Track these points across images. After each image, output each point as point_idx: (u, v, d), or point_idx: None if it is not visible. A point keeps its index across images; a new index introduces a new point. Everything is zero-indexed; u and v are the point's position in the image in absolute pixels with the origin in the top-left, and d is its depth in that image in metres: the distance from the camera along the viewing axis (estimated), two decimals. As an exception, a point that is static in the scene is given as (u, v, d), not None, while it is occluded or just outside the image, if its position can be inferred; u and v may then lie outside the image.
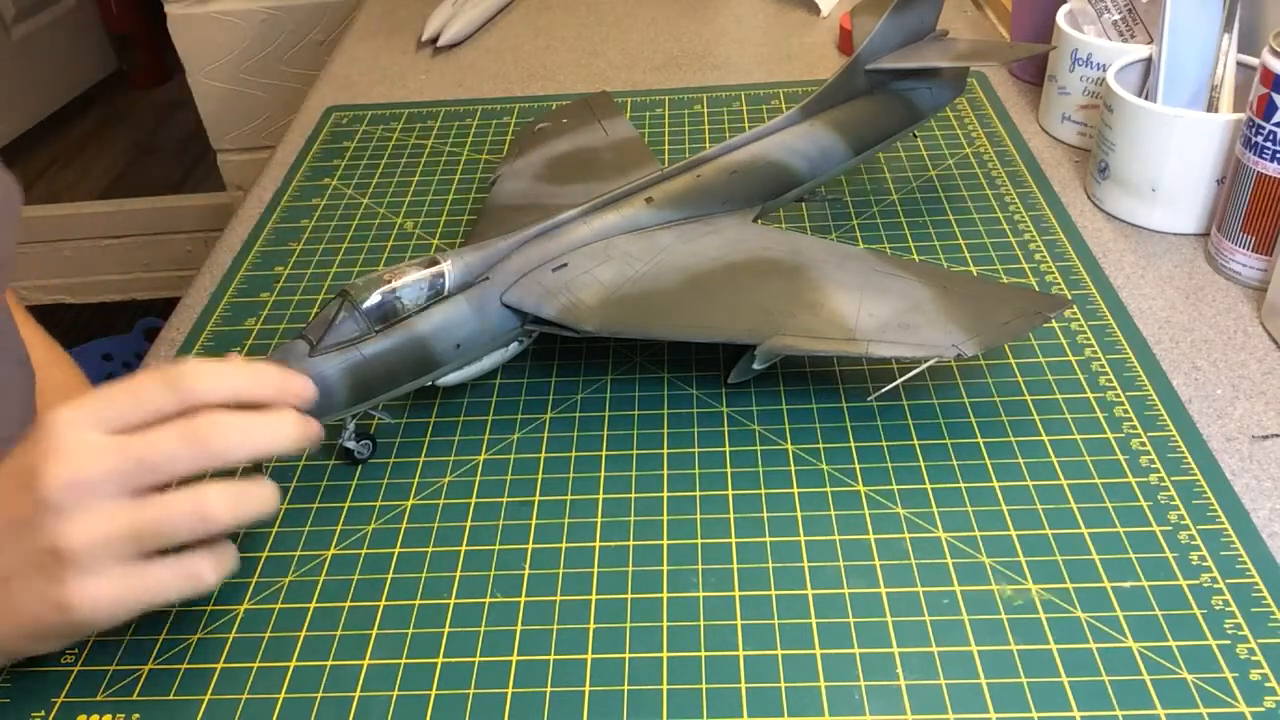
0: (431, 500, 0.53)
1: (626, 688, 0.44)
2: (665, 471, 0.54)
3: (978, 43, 0.69)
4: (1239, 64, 0.69)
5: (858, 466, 0.53)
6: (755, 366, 0.55)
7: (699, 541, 0.50)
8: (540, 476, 0.54)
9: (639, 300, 0.55)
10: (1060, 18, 0.79)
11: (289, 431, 0.44)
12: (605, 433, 0.56)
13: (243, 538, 0.51)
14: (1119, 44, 0.77)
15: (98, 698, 0.45)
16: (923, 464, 0.53)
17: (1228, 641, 0.43)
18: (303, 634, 0.47)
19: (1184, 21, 0.68)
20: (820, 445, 0.54)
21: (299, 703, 0.44)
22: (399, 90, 0.99)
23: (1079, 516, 0.49)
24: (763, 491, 0.52)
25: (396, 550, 0.51)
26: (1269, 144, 0.59)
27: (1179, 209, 0.68)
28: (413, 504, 0.53)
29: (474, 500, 0.53)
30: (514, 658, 0.45)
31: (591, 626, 0.46)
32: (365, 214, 0.78)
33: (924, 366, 0.52)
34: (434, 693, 0.44)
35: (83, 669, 0.46)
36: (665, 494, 0.52)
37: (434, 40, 1.08)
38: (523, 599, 0.48)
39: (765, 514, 0.51)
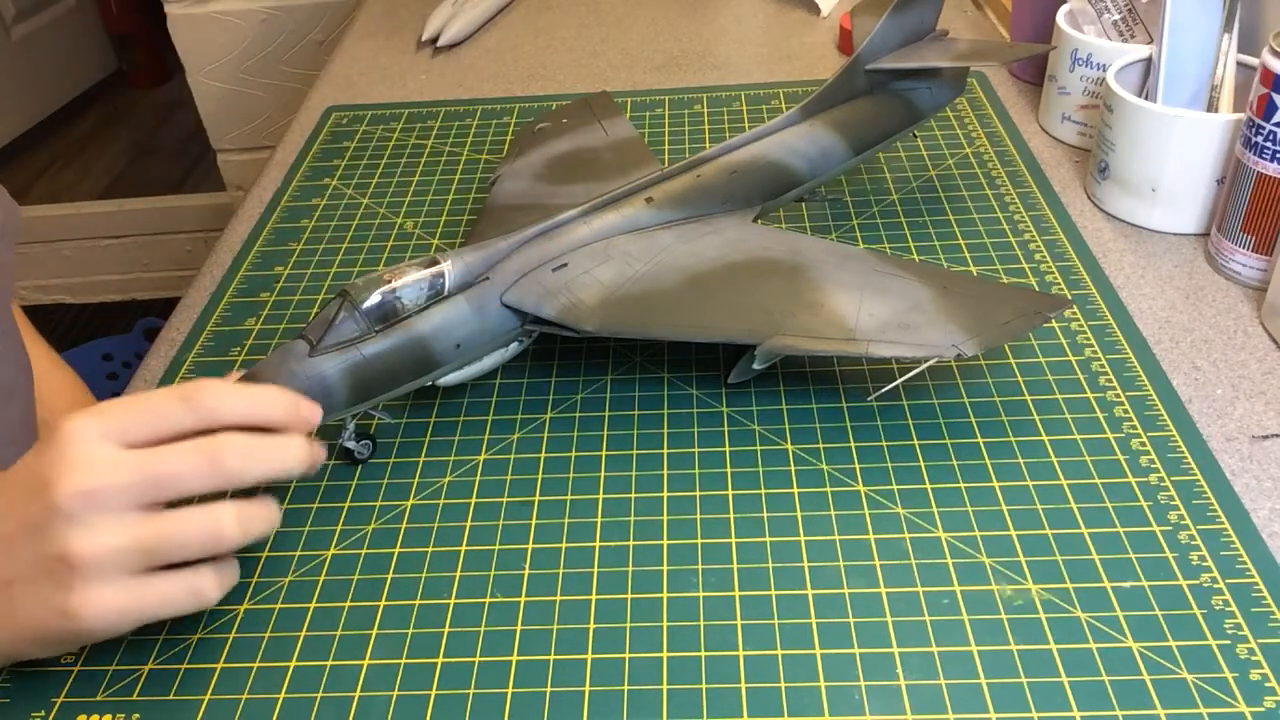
0: (431, 500, 0.53)
1: (626, 688, 0.44)
2: (665, 471, 0.54)
3: (978, 43, 0.69)
4: (1239, 64, 0.69)
5: (858, 466, 0.53)
6: (755, 366, 0.55)
7: (699, 541, 0.50)
8: (540, 476, 0.54)
9: (639, 300, 0.55)
10: (1060, 18, 0.79)
11: (299, 455, 0.44)
12: (605, 433, 0.56)
13: (243, 538, 0.51)
14: (1119, 44, 0.77)
15: (98, 697, 0.45)
16: (923, 464, 0.53)
17: (1228, 641, 0.43)
18: (303, 634, 0.47)
19: (1184, 21, 0.68)
20: (820, 445, 0.54)
21: (299, 703, 0.44)
22: (399, 90, 0.99)
23: (1079, 516, 0.49)
24: (763, 491, 0.52)
25: (396, 550, 0.51)
26: (1269, 144, 0.59)
27: (1179, 209, 0.68)
28: (413, 504, 0.53)
29: (474, 500, 0.53)
30: (514, 658, 0.45)
31: (591, 626, 0.46)
32: (365, 214, 0.78)
33: (924, 366, 0.52)
34: (434, 693, 0.44)
35: (83, 669, 0.46)
36: (665, 494, 0.52)
37: (434, 40, 1.08)
38: (523, 599, 0.48)
39: (765, 514, 0.51)
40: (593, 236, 0.58)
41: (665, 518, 0.51)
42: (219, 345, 0.66)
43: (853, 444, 0.54)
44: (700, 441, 0.55)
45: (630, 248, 0.58)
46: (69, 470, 0.40)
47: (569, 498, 0.53)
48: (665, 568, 0.49)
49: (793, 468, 0.53)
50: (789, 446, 0.54)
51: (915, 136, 0.75)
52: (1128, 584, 0.46)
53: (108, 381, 1.29)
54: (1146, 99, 0.69)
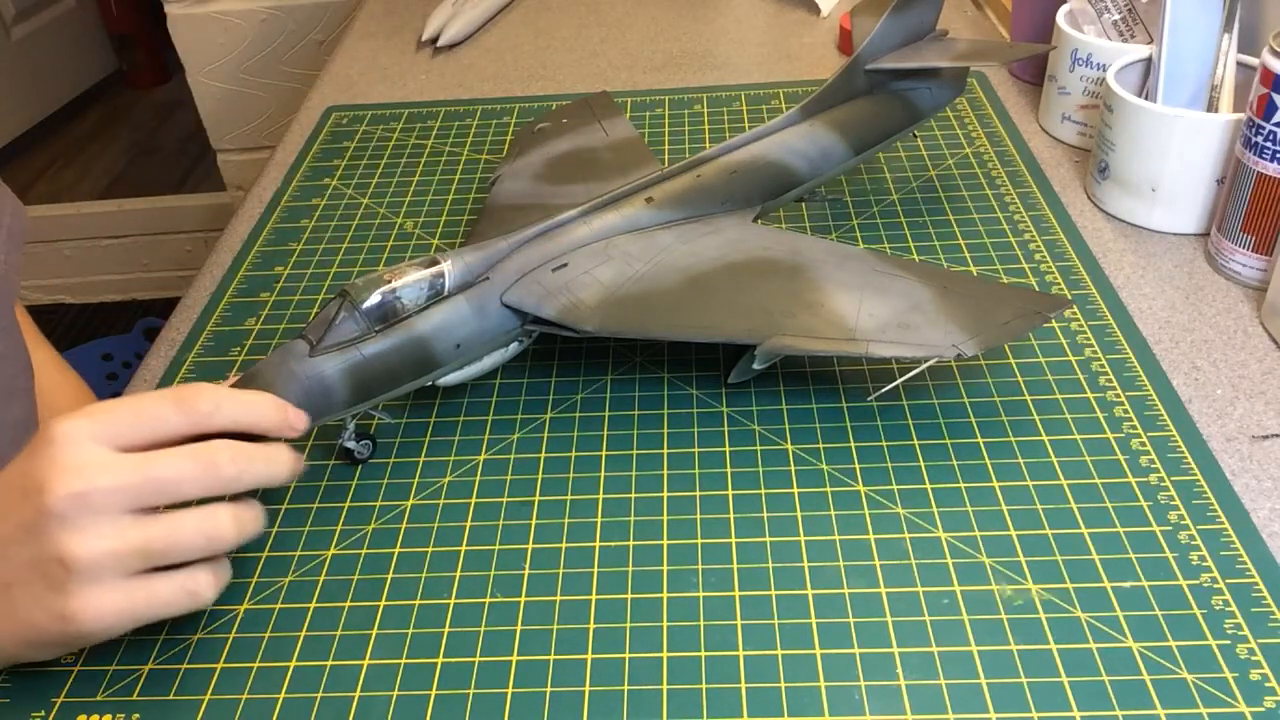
0: (431, 500, 0.53)
1: (626, 688, 0.44)
2: (665, 471, 0.54)
3: (978, 43, 0.69)
4: (1239, 64, 0.69)
5: (858, 466, 0.53)
6: (755, 366, 0.55)
7: (699, 541, 0.50)
8: (540, 476, 0.54)
9: (639, 300, 0.55)
10: (1060, 18, 0.79)
11: (287, 462, 0.46)
12: (605, 433, 0.56)
13: (242, 538, 0.51)
14: (1119, 44, 0.77)
15: (98, 697, 0.45)
16: (923, 464, 0.53)
17: (1228, 641, 0.43)
18: (303, 634, 0.47)
19: (1184, 21, 0.68)
20: (820, 445, 0.54)
21: (299, 703, 0.44)
22: (399, 90, 0.99)
23: (1079, 516, 0.49)
24: (763, 491, 0.52)
25: (396, 550, 0.51)
26: (1269, 144, 0.59)
27: (1179, 209, 0.68)
28: (413, 504, 0.53)
29: (474, 500, 0.53)
30: (514, 658, 0.45)
31: (591, 626, 0.46)
32: (365, 214, 0.78)
33: (924, 366, 0.52)
34: (434, 693, 0.44)
35: (83, 669, 0.46)
36: (665, 494, 0.52)
37: (434, 40, 1.08)
38: (523, 599, 0.48)
39: (765, 514, 0.51)
40: (593, 236, 0.58)
41: (665, 518, 0.51)
42: (219, 345, 0.66)
43: (853, 444, 0.54)
44: (700, 441, 0.55)
45: (630, 248, 0.58)
46: (60, 473, 0.40)
47: (569, 498, 0.53)
48: (665, 568, 0.49)
49: (793, 468, 0.53)
50: (789, 446, 0.54)
51: (915, 136, 0.75)
52: (1128, 584, 0.46)
53: (108, 382, 1.29)
54: (1146, 99, 0.69)
